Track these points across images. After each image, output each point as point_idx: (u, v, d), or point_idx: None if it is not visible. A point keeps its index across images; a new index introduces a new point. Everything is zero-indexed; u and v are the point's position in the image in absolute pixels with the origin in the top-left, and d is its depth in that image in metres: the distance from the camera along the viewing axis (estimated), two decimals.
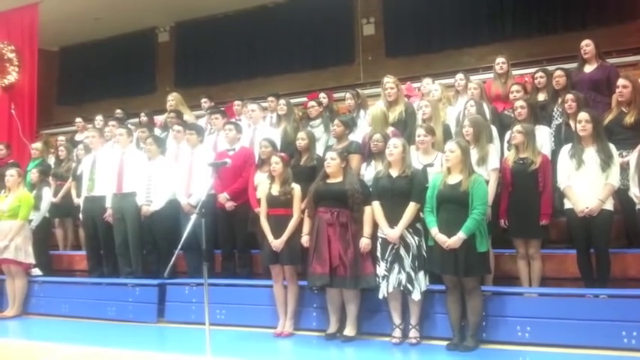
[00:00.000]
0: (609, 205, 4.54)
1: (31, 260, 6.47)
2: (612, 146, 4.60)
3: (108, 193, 6.31)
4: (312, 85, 9.61)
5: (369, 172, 5.15)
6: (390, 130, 5.43)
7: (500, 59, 6.45)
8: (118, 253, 6.27)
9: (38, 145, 8.16)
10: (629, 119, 4.94)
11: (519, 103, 5.36)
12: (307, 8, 10.43)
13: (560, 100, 5.56)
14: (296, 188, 4.98)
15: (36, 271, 6.73)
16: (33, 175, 7.10)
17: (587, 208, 4.49)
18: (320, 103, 6.72)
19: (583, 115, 4.64)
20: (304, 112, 7.55)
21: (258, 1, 10.65)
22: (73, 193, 7.18)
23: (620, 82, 5.10)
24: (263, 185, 5.21)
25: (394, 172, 4.63)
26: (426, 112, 5.49)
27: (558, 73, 5.88)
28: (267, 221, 5.00)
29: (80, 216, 6.75)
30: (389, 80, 6.00)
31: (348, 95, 6.64)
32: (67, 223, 7.66)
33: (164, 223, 6.01)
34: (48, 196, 7.02)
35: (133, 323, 5.82)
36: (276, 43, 10.71)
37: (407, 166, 4.63)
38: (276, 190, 5.00)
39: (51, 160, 8.09)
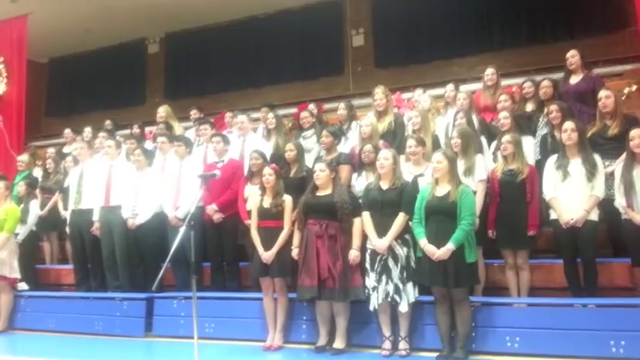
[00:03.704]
0: (594, 216, 4.57)
1: (16, 275, 6.39)
2: (597, 157, 4.63)
3: (95, 206, 6.26)
4: (302, 95, 9.64)
5: (359, 182, 5.16)
6: (380, 142, 5.44)
7: (489, 70, 6.50)
8: (105, 266, 6.22)
9: (24, 157, 8.11)
10: (612, 131, 4.99)
11: (503, 114, 5.44)
12: (297, 19, 10.49)
13: (545, 111, 5.60)
14: (287, 200, 4.97)
15: (22, 286, 6.63)
16: (20, 188, 7.04)
17: (572, 219, 4.51)
18: (312, 114, 6.72)
19: (569, 125, 4.68)
20: (294, 123, 7.56)
21: (248, 13, 10.68)
22: (60, 205, 7.13)
23: (602, 93, 5.15)
24: (254, 197, 5.19)
25: (385, 184, 4.65)
26: (416, 122, 5.51)
27: (545, 83, 5.93)
28: (258, 233, 4.98)
29: (67, 229, 6.70)
30: (378, 91, 6.03)
31: (341, 106, 6.64)
32: (52, 236, 7.60)
33: (151, 236, 5.98)
34: (35, 209, 6.97)
35: (120, 338, 5.75)
36: (266, 54, 10.74)
37: (397, 178, 4.65)
38: (267, 202, 4.99)
39: (38, 173, 8.03)
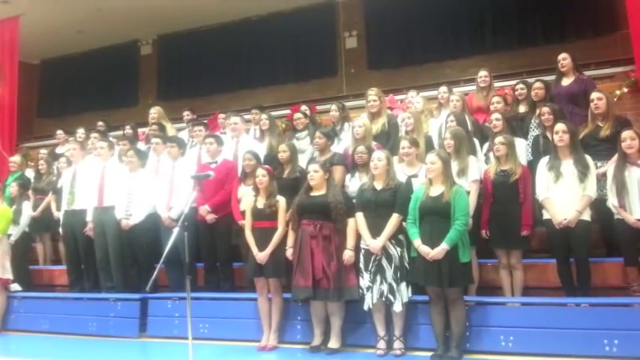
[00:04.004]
0: (587, 216, 4.61)
1: (9, 275, 6.36)
2: (589, 157, 4.68)
3: (89, 206, 6.24)
4: (296, 97, 9.65)
5: (353, 183, 5.17)
6: (373, 143, 5.46)
7: (482, 73, 6.55)
8: (99, 267, 6.20)
9: (16, 158, 8.08)
10: (604, 133, 5.04)
11: (495, 115, 5.50)
12: (290, 21, 10.50)
13: (537, 112, 5.65)
14: (281, 201, 4.98)
15: (15, 287, 6.61)
16: (12, 189, 7.02)
17: (565, 219, 4.54)
18: (306, 115, 6.74)
19: (560, 126, 4.73)
20: (287, 124, 7.56)
21: (241, 14, 10.68)
22: (53, 206, 7.11)
23: (595, 95, 5.21)
24: (248, 198, 5.19)
25: (378, 185, 4.66)
26: (409, 123, 5.53)
27: (537, 85, 5.99)
28: (252, 234, 4.98)
29: (60, 230, 6.67)
30: (372, 92, 6.04)
31: (333, 107, 6.66)
32: (45, 237, 7.56)
33: (144, 237, 5.96)
34: (28, 210, 6.94)
35: (114, 338, 5.73)
36: (260, 55, 10.75)
37: (391, 179, 4.67)
38: (261, 203, 4.99)
39: (30, 174, 8.00)
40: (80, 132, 7.77)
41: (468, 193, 4.68)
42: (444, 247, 4.25)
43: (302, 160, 5.86)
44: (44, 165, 7.62)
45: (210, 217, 5.65)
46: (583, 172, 4.56)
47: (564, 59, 5.98)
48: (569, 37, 8.54)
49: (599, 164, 4.85)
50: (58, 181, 7.06)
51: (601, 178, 4.77)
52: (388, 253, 4.55)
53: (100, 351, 5.41)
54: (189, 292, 4.15)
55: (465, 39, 9.41)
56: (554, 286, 4.83)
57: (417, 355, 4.56)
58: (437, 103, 6.66)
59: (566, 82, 5.96)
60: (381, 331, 4.66)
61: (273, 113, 7.10)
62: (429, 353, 4.45)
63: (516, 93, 6.29)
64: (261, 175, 5.00)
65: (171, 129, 7.45)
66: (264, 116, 6.59)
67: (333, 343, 4.75)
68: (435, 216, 4.36)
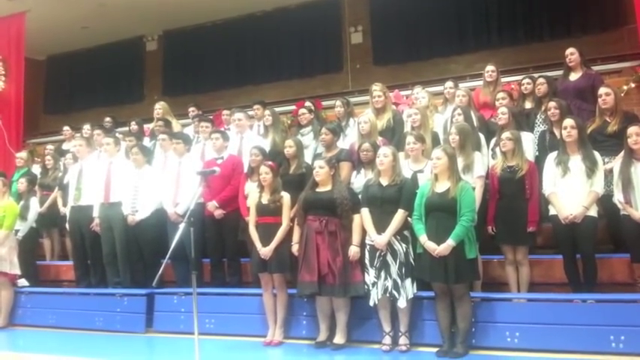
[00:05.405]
0: (593, 212, 4.59)
1: (17, 271, 6.40)
2: (597, 153, 4.66)
3: (95, 202, 6.26)
4: (301, 93, 9.64)
5: (358, 180, 5.16)
6: (379, 139, 5.45)
7: (490, 67, 6.52)
8: (105, 263, 6.22)
9: (23, 154, 8.12)
10: (612, 128, 5.02)
11: (501, 110, 5.47)
12: (295, 17, 10.48)
13: (543, 108, 5.63)
14: (285, 197, 4.98)
15: (22, 282, 6.66)
16: (21, 184, 7.05)
17: (571, 214, 4.53)
18: (311, 111, 6.73)
19: (568, 122, 4.70)
20: (292, 120, 7.56)
21: (246, 10, 10.67)
22: (59, 202, 7.13)
23: (602, 90, 5.19)
24: (253, 194, 5.20)
25: (384, 181, 4.66)
26: (415, 119, 5.52)
27: (539, 80, 6.00)
28: (256, 230, 4.99)
29: (67, 226, 6.70)
30: (376, 88, 6.03)
31: (338, 103, 6.65)
32: (53, 233, 7.60)
33: (149, 233, 5.98)
34: (35, 205, 6.97)
35: (121, 333, 5.76)
36: (265, 51, 10.75)
37: (397, 175, 4.66)
38: (265, 198, 5.00)
39: (36, 170, 8.04)
40: (86, 128, 7.79)
41: (474, 189, 4.67)
42: (450, 243, 4.24)
43: (306, 156, 5.86)
44: (51, 161, 7.65)
45: (219, 213, 5.66)
46: (591, 168, 4.55)
47: (572, 54, 5.95)
48: (575, 32, 8.50)
49: (606, 160, 4.82)
50: (64, 177, 7.08)
51: (608, 174, 4.74)
52: (393, 248, 4.55)
53: (106, 346, 5.43)
54: (196, 288, 4.16)
55: (471, 34, 9.38)
56: (561, 282, 4.82)
57: (423, 350, 4.56)
58: (442, 98, 6.64)
59: (573, 77, 5.94)
60: (386, 327, 4.66)
61: (278, 109, 7.10)
62: (435, 349, 4.45)
63: (522, 88, 6.26)
64: (265, 172, 5.01)
65: (176, 125, 7.47)
66: (267, 112, 6.59)
67: (339, 338, 4.76)
68: (441, 212, 4.35)
